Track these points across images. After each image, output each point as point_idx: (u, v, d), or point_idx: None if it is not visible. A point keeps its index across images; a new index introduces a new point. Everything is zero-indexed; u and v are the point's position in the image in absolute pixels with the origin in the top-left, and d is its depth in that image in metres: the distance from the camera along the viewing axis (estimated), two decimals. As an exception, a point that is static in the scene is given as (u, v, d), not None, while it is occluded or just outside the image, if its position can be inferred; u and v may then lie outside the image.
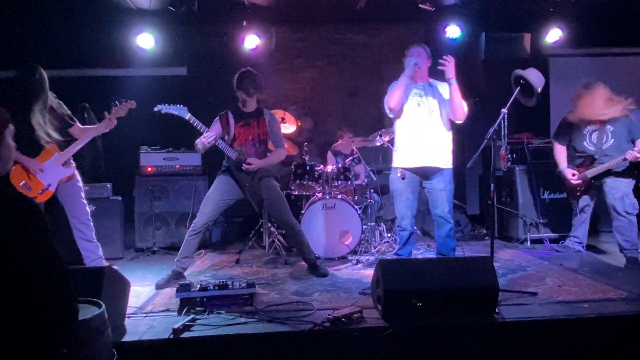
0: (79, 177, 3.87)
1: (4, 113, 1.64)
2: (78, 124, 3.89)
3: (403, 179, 3.91)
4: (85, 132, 3.82)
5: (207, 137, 3.70)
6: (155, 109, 3.74)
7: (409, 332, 2.67)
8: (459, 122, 3.89)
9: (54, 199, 3.73)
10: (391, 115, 3.99)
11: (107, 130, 3.81)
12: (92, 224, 3.89)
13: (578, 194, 4.44)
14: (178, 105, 3.73)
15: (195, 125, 3.73)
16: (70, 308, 1.50)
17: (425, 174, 3.88)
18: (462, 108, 3.79)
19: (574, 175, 4.37)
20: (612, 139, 4.18)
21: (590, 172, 4.25)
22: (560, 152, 4.54)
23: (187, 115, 3.71)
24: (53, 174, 3.66)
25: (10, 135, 1.64)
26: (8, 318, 1.36)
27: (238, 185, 3.92)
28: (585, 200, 4.48)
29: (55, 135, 3.65)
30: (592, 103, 4.15)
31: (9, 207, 1.43)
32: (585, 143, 4.33)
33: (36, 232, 1.44)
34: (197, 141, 3.80)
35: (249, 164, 3.81)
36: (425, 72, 3.94)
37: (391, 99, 3.81)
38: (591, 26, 6.09)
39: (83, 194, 3.88)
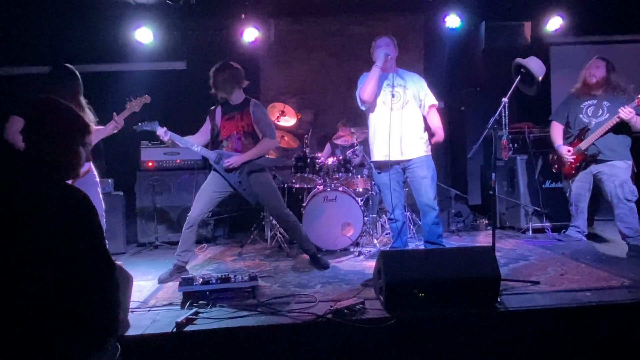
0: (95, 173, 3.87)
1: (82, 121, 1.62)
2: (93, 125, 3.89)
3: (379, 173, 3.95)
4: (98, 132, 3.80)
5: (161, 136, 3.76)
6: (133, 127, 3.86)
7: (411, 322, 2.67)
8: None
9: None
10: (364, 108, 3.99)
11: (115, 132, 3.76)
12: (104, 220, 3.90)
13: (573, 172, 4.44)
14: (152, 122, 3.83)
15: (148, 129, 3.84)
16: (111, 302, 1.49)
17: (405, 165, 3.90)
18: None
19: (569, 151, 4.39)
20: (608, 114, 4.19)
21: (584, 143, 4.27)
22: (557, 130, 4.57)
23: (157, 129, 3.79)
24: None
25: (84, 144, 1.63)
26: (47, 313, 1.36)
27: (228, 182, 3.88)
28: (578, 191, 4.48)
29: None
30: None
31: (71, 201, 1.43)
32: (581, 116, 4.36)
33: (93, 230, 1.45)
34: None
35: (228, 162, 3.77)
36: (394, 62, 3.95)
37: (364, 91, 3.81)
38: (592, 14, 6.05)
39: (99, 190, 3.89)
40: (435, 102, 4.03)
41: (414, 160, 3.85)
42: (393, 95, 3.84)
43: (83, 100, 3.72)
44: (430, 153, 3.93)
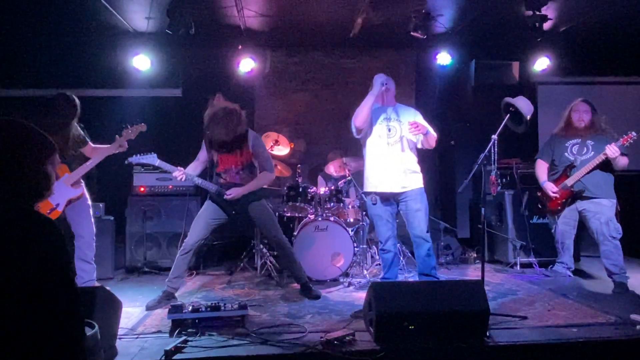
0: (88, 197, 3.90)
1: (48, 141, 1.58)
2: (90, 143, 3.94)
3: (374, 204, 3.99)
4: (96, 152, 3.86)
5: (177, 177, 3.78)
6: (126, 161, 3.86)
7: (401, 355, 2.68)
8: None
9: (61, 218, 3.76)
10: (358, 136, 4.05)
11: (117, 152, 3.86)
12: (94, 245, 3.90)
13: (559, 208, 4.51)
14: (148, 155, 3.84)
15: (165, 169, 3.84)
16: (76, 335, 1.42)
17: (399, 197, 3.95)
18: (434, 141, 3.92)
19: (554, 191, 4.46)
20: (593, 152, 4.29)
21: (570, 180, 4.35)
22: (542, 168, 4.65)
23: (157, 162, 3.82)
24: (62, 193, 3.68)
25: (52, 164, 1.58)
26: (11, 337, 1.31)
27: (224, 212, 3.90)
28: (563, 228, 4.53)
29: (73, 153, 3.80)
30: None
31: (35, 228, 1.39)
32: (566, 154, 4.46)
33: (56, 256, 1.40)
34: None
35: (230, 194, 3.80)
36: (393, 96, 4.06)
37: (357, 117, 3.89)
38: (578, 56, 6.30)
39: (91, 214, 3.90)
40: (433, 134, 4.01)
41: (407, 192, 3.90)
42: (389, 129, 3.93)
43: (73, 127, 3.78)
44: (423, 186, 3.98)
